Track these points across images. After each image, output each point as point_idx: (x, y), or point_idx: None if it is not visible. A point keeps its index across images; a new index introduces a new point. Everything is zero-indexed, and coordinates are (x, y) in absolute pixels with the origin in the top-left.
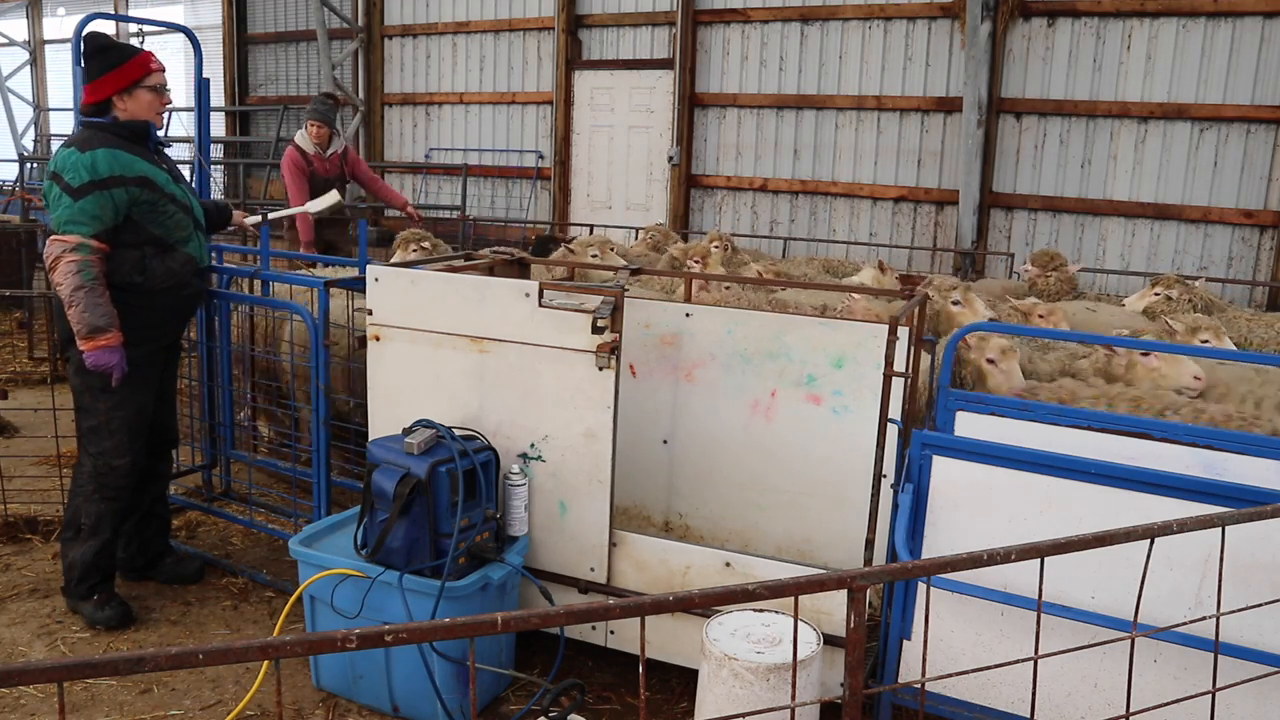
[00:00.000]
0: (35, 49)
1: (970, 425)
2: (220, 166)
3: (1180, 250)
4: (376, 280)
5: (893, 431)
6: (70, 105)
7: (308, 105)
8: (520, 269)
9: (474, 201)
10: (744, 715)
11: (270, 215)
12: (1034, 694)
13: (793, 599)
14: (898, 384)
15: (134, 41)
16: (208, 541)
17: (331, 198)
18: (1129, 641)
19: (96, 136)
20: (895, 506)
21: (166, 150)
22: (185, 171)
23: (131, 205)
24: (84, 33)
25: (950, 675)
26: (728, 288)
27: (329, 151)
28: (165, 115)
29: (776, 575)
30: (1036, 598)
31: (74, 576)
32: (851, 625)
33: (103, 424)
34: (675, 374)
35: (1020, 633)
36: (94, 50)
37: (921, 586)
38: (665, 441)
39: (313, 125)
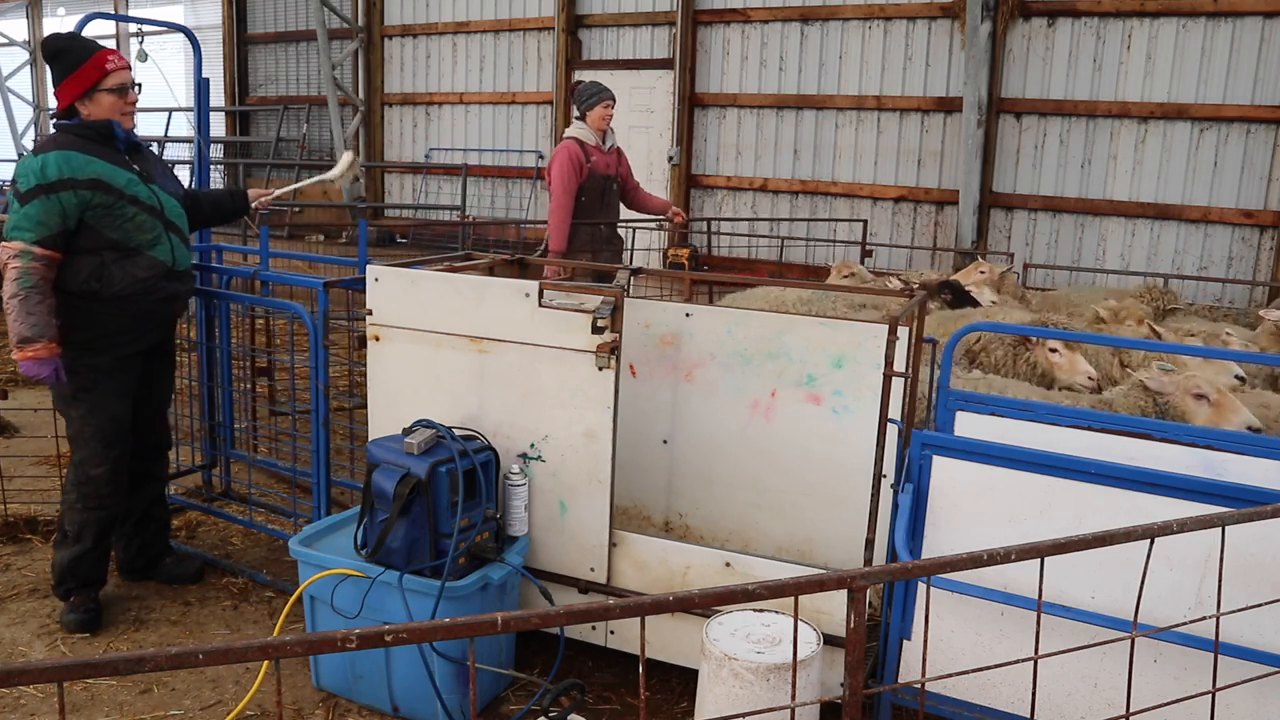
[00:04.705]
0: (35, 49)
1: (970, 425)
2: (220, 167)
3: (1180, 250)
4: (376, 280)
5: (893, 431)
6: None
7: (583, 90)
8: (520, 269)
9: (474, 201)
10: (744, 715)
11: (276, 192)
12: (1034, 694)
13: (793, 599)
14: (898, 384)
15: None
16: (208, 541)
17: (346, 160)
18: (1129, 641)
19: (56, 139)
20: (895, 506)
21: (156, 149)
22: (185, 172)
23: (84, 209)
24: (43, 38)
25: (950, 675)
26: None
27: (608, 144)
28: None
29: (776, 575)
30: (1036, 598)
31: (54, 578)
32: (851, 625)
33: (78, 432)
34: (675, 374)
35: (1020, 633)
36: (51, 55)
37: (921, 586)
38: (665, 441)
39: (606, 107)
